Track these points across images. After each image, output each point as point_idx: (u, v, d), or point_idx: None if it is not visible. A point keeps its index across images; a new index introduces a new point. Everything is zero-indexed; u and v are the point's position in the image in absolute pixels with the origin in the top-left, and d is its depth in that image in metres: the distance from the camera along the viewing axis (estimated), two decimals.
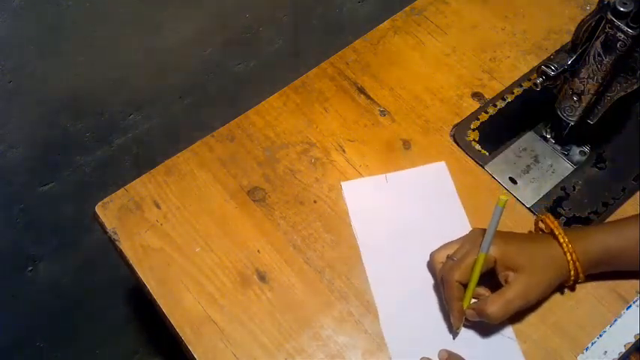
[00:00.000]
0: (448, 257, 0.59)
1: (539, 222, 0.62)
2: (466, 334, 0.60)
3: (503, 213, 0.55)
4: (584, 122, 0.68)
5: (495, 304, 0.56)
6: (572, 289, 0.62)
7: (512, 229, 0.64)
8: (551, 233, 0.59)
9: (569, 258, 0.57)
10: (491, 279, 0.59)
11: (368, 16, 0.97)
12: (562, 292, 0.61)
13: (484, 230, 0.58)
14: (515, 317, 0.60)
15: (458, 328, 0.59)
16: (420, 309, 0.61)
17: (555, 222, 0.59)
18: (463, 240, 0.60)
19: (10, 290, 0.83)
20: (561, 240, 0.57)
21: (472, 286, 0.58)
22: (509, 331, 0.60)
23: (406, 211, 0.66)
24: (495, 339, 0.59)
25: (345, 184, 0.68)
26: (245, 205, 0.67)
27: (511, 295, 0.56)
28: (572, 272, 0.58)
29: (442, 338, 0.60)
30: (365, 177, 0.69)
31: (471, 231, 0.60)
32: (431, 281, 0.63)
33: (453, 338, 0.60)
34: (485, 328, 0.60)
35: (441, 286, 0.59)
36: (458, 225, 0.66)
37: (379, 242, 0.65)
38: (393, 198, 0.68)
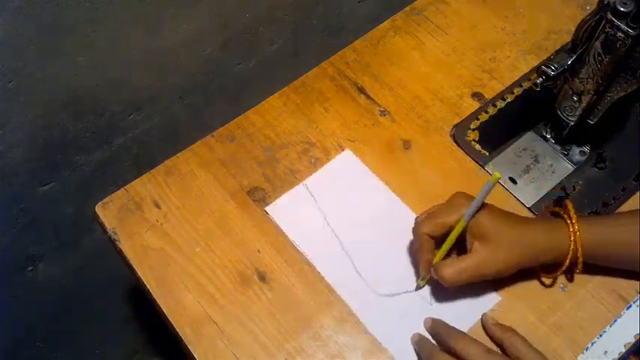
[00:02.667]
0: (429, 213, 0.61)
1: (553, 208, 0.62)
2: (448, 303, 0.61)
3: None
4: (584, 122, 0.68)
5: (449, 268, 0.57)
6: (570, 277, 0.61)
7: None
8: (560, 215, 0.59)
9: (571, 239, 0.57)
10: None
11: (368, 16, 0.97)
12: (564, 290, 0.62)
13: (466, 195, 0.59)
14: (513, 313, 0.60)
15: (424, 278, 0.61)
16: (392, 292, 0.62)
17: (572, 209, 0.59)
18: (446, 201, 0.61)
19: (10, 290, 0.83)
20: (568, 222, 0.57)
21: (445, 247, 0.59)
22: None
23: (338, 208, 0.67)
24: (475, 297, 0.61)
25: (269, 208, 0.67)
26: (245, 205, 0.67)
27: (465, 265, 0.57)
28: (569, 256, 0.57)
29: (421, 311, 0.61)
30: (285, 193, 0.68)
31: (455, 194, 0.61)
32: (394, 265, 0.63)
33: (415, 289, 0.62)
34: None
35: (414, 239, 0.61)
36: (386, 201, 0.67)
37: (328, 248, 0.64)
38: (319, 201, 0.68)
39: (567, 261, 0.57)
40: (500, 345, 0.57)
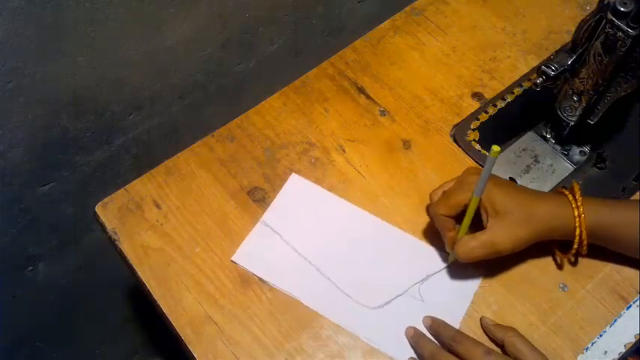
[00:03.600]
0: (443, 193, 0.62)
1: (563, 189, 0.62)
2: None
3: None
4: (584, 122, 0.68)
5: (464, 247, 0.58)
6: (574, 261, 0.62)
7: None
8: (563, 194, 0.59)
9: (577, 224, 0.57)
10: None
11: (368, 16, 0.97)
12: (564, 290, 0.62)
13: (476, 169, 0.60)
14: (513, 313, 0.60)
15: (451, 251, 0.62)
16: (383, 301, 0.62)
17: (579, 191, 0.59)
18: (457, 179, 0.61)
19: (10, 290, 0.83)
20: (573, 205, 0.58)
21: (465, 224, 0.59)
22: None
23: (304, 235, 0.65)
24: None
25: (235, 258, 0.64)
26: (245, 205, 0.67)
27: (480, 242, 0.58)
28: (577, 238, 0.58)
29: (415, 311, 0.61)
30: (245, 238, 0.65)
31: (466, 170, 0.61)
32: (375, 273, 0.63)
33: (449, 265, 0.63)
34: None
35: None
36: (347, 214, 0.67)
37: (307, 279, 0.63)
38: (283, 234, 0.65)
39: (575, 244, 0.58)
40: (501, 345, 0.57)
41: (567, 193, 0.59)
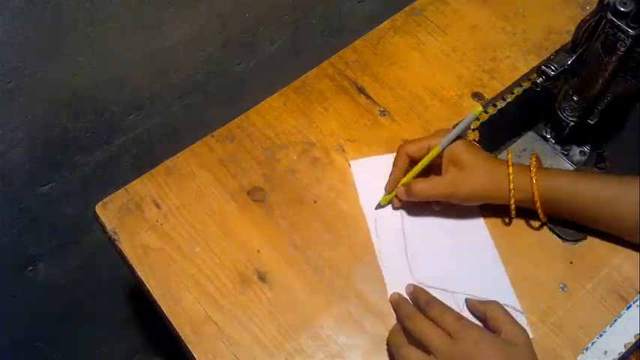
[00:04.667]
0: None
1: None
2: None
3: None
4: (584, 122, 0.68)
5: (422, 183, 0.63)
6: (510, 219, 0.64)
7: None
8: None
9: (511, 187, 0.60)
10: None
11: (368, 16, 0.97)
12: (564, 290, 0.62)
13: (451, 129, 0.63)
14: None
15: (387, 195, 0.65)
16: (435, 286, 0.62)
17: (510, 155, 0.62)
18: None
19: (10, 290, 0.83)
20: (510, 170, 0.60)
21: (416, 169, 0.63)
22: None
23: None
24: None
25: (353, 163, 0.70)
26: (245, 205, 0.67)
27: (437, 182, 0.63)
28: (511, 195, 0.61)
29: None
30: (373, 156, 0.70)
31: (444, 129, 0.65)
32: (451, 264, 0.64)
33: (375, 208, 0.66)
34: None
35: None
36: (465, 216, 0.66)
37: (388, 220, 0.65)
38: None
39: (511, 200, 0.61)
40: (483, 319, 0.57)
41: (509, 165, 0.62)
